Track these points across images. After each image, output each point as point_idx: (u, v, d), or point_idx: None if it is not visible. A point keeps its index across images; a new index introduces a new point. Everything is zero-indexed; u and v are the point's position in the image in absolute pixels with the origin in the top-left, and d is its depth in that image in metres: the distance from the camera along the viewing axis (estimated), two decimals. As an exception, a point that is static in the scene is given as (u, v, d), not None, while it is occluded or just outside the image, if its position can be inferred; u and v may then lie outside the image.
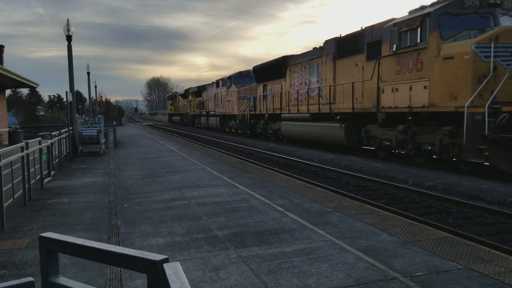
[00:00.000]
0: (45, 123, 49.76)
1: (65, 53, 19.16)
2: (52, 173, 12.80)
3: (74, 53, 19.30)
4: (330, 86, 18.92)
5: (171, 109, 70.58)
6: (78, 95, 63.37)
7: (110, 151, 21.42)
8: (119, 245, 6.06)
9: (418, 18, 13.33)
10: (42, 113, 67.51)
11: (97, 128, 21.68)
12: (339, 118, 18.24)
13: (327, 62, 19.28)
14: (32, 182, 10.03)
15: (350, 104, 17.31)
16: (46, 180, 11.70)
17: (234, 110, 33.03)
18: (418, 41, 13.29)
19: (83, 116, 37.88)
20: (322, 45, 20.00)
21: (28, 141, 9.94)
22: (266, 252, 5.56)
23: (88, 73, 37.96)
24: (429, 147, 13.53)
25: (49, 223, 7.45)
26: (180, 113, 61.68)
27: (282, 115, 24.34)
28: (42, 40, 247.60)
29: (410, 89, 13.79)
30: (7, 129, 29.06)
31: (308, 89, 21.23)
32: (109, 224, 7.24)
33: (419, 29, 13.24)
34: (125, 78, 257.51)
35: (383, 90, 15.21)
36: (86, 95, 56.78)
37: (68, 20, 18.92)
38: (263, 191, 9.63)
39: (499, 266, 4.88)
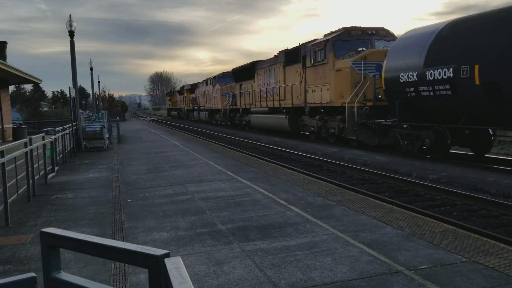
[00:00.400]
0: (49, 118, 49.90)
1: (68, 48, 19.16)
2: (56, 168, 12.83)
3: (76, 48, 19.32)
4: (280, 86, 24.71)
5: (169, 104, 75.32)
6: (81, 91, 63.56)
7: (114, 146, 21.46)
8: (123, 240, 6.07)
9: (323, 42, 19.31)
10: (45, 109, 67.72)
11: (100, 124, 21.71)
12: (285, 111, 24.28)
13: (280, 68, 24.73)
14: (36, 177, 10.05)
15: (291, 101, 23.16)
16: (50, 176, 11.73)
17: (218, 105, 38.87)
18: (323, 58, 19.37)
19: (87, 112, 37.96)
20: (277, 55, 25.32)
21: (32, 136, 9.96)
22: (270, 246, 5.56)
23: (91, 69, 37.97)
24: (332, 130, 19.59)
25: (53, 218, 7.47)
26: (177, 108, 66.38)
27: (251, 109, 30.06)
28: (45, 36, 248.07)
29: (321, 90, 19.78)
30: (11, 125, 29.15)
31: (267, 88, 26.80)
32: (113, 219, 7.25)
33: (323, 50, 19.32)
34: (128, 73, 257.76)
35: (307, 91, 21.26)
36: (89, 90, 56.98)
37: (70, 16, 18.92)
38: (266, 185, 9.63)
39: (504, 259, 4.86)
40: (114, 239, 6.12)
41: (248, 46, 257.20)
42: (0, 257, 5.58)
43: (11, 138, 27.06)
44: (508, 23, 11.14)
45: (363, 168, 13.39)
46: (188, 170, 12.33)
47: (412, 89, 13.98)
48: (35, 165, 10.19)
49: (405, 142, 14.74)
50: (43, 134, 11.84)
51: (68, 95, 22.75)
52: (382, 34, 19.19)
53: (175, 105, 68.73)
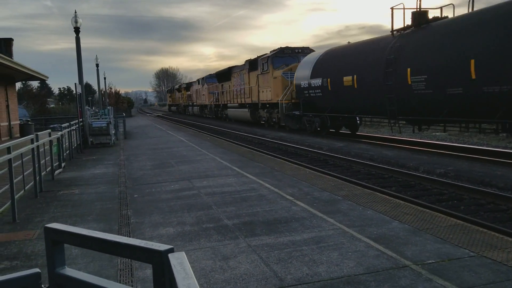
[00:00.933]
0: (56, 115, 50.11)
1: (74, 45, 19.18)
2: (62, 164, 12.89)
3: (82, 45, 19.34)
4: (245, 87, 31.82)
5: (170, 101, 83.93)
6: (87, 87, 63.80)
7: (120, 142, 21.53)
8: (130, 235, 6.09)
9: (266, 57, 27.09)
10: (52, 105, 67.99)
11: (106, 120, 21.77)
12: (247, 106, 31.76)
13: (246, 74, 31.54)
14: (43, 173, 10.10)
15: (250, 99, 30.75)
16: (57, 172, 11.79)
17: (206, 101, 47.37)
18: (267, 68, 26.92)
19: (93, 108, 38.05)
20: (244, 63, 32.47)
21: (39, 133, 9.99)
22: (276, 241, 5.54)
23: (97, 65, 38.04)
24: (274, 119, 27.14)
25: (60, 214, 7.50)
26: (176, 104, 74.38)
27: (228, 104, 37.73)
28: (51, 33, 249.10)
29: (267, 91, 27.24)
30: (18, 122, 29.31)
31: (238, 89, 33.77)
32: (120, 215, 7.27)
33: (267, 63, 26.92)
34: (134, 69, 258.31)
35: (260, 91, 28.62)
36: (95, 87, 57.16)
37: (75, 12, 18.92)
38: (272, 180, 9.61)
39: (512, 253, 4.81)
40: (121, 234, 6.14)
41: (253, 41, 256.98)
42: (7, 252, 5.61)
43: (18, 135, 27.22)
44: (340, 57, 19.72)
45: (369, 162, 13.33)
46: (194, 165, 12.34)
47: (306, 91, 22.05)
48: (42, 161, 10.23)
49: (308, 125, 22.84)
50: (49, 130, 11.88)
51: (74, 92, 22.80)
52: (306, 52, 25.99)
53: (174, 101, 76.08)
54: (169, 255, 1.65)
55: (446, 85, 13.11)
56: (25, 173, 9.05)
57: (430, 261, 4.68)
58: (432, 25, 14.67)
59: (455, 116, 13.67)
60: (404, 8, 15.88)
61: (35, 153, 9.13)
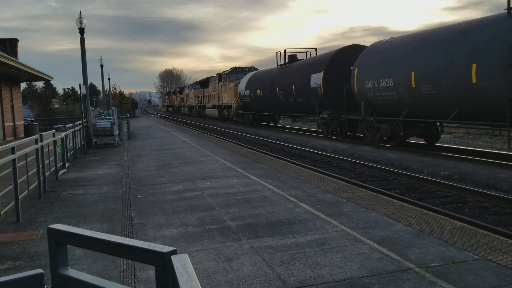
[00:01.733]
0: (60, 115, 50.29)
1: (79, 46, 19.26)
2: (66, 165, 12.92)
3: (87, 46, 19.42)
4: (216, 93, 42.63)
5: (167, 102, 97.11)
6: (92, 88, 63.96)
7: (124, 143, 21.57)
8: (133, 236, 6.09)
9: (225, 73, 38.57)
10: (57, 106, 68.20)
11: (111, 120, 21.82)
12: (216, 107, 42.81)
13: (217, 83, 42.00)
14: (47, 174, 10.13)
15: (218, 102, 41.93)
16: (60, 172, 11.82)
17: (193, 103, 58.71)
18: (226, 81, 37.91)
19: (97, 109, 38.17)
20: (216, 75, 43.05)
21: (43, 133, 10.02)
22: (279, 243, 5.53)
23: (102, 66, 38.20)
24: (231, 116, 38.13)
25: (63, 215, 7.51)
26: (172, 105, 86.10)
27: (206, 106, 49.55)
28: (56, 34, 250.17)
29: (226, 97, 38.44)
30: (23, 122, 29.42)
31: (212, 94, 45.23)
32: (123, 215, 7.28)
33: (226, 77, 38.06)
34: (138, 70, 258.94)
35: (222, 97, 39.60)
36: (100, 87, 57.23)
37: (80, 13, 18.98)
38: (275, 181, 9.60)
39: (517, 257, 4.78)
40: (124, 235, 6.14)
41: (257, 42, 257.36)
42: (11, 253, 5.62)
43: (22, 135, 27.32)
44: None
45: (373, 164, 13.30)
46: (198, 166, 12.35)
47: (243, 98, 33.60)
48: (46, 162, 10.26)
49: (246, 120, 34.10)
50: (54, 130, 11.91)
51: (78, 92, 22.87)
52: (252, 70, 37.69)
53: (171, 102, 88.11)
54: (172, 257, 1.64)
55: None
56: (29, 173, 9.08)
57: (434, 264, 4.66)
58: (292, 64, 26.42)
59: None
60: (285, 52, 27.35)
61: (39, 153, 9.16)
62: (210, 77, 47.38)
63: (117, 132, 21.85)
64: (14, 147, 7.32)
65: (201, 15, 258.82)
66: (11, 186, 7.53)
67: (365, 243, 5.40)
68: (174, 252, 1.67)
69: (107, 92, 47.37)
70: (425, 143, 17.43)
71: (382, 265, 4.69)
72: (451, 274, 4.39)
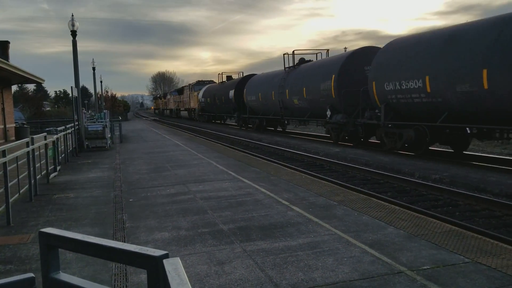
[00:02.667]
0: (52, 118, 49.97)
1: (71, 48, 19.16)
2: (58, 168, 12.84)
3: (79, 48, 19.34)
4: (187, 99, 55.81)
5: (154, 105, 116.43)
6: (84, 91, 63.80)
7: (116, 146, 21.48)
8: (125, 240, 6.07)
9: (192, 85, 54.28)
10: (48, 108, 67.78)
11: (102, 123, 21.72)
12: (187, 110, 57.21)
13: (188, 91, 54.57)
14: (38, 177, 10.06)
15: (188, 106, 56.26)
16: (52, 175, 11.74)
17: (172, 107, 71.98)
18: (192, 90, 52.96)
19: (89, 111, 37.98)
20: (188, 85, 56.57)
21: (34, 136, 9.96)
22: (271, 246, 5.54)
23: (94, 68, 38.03)
24: (196, 116, 52.26)
25: (54, 218, 7.47)
26: (158, 108, 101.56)
27: (180, 109, 62.25)
28: (48, 36, 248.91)
29: (192, 102, 53.81)
30: (14, 125, 29.19)
31: (185, 100, 57.59)
32: (115, 219, 7.25)
33: (192, 88, 53.14)
34: (131, 73, 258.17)
35: (190, 102, 54.96)
36: (92, 90, 57.07)
37: (72, 15, 18.90)
38: (268, 184, 9.61)
39: (506, 260, 4.83)
40: (116, 239, 6.12)
41: (250, 46, 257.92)
42: (1, 256, 5.57)
43: (13, 138, 27.10)
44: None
45: (365, 168, 13.36)
46: (190, 169, 12.33)
47: (202, 103, 47.76)
48: (37, 165, 10.19)
49: (206, 119, 49.00)
50: (45, 133, 11.84)
51: (70, 95, 22.77)
52: (210, 83, 49.52)
53: (157, 106, 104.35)
54: (164, 260, 1.64)
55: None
56: (20, 177, 9.01)
57: (425, 267, 4.69)
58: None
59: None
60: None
61: (31, 156, 9.10)
62: (184, 86, 62.68)
63: (109, 135, 21.75)
64: (5, 150, 7.27)
65: (194, 18, 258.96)
66: (1, 190, 7.46)
67: (357, 246, 5.42)
68: (166, 256, 1.67)
69: (99, 95, 47.16)
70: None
71: (374, 268, 4.72)
72: (442, 277, 4.42)
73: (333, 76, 19.76)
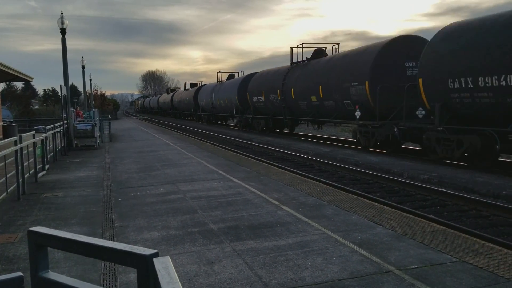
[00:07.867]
0: (40, 117, 49.49)
1: (59, 46, 19.00)
2: (46, 167, 12.73)
3: (68, 46, 19.14)
4: (166, 101, 70.65)
5: (135, 106, 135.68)
6: (73, 89, 63.18)
7: (105, 145, 21.34)
8: (114, 239, 6.04)
9: (172, 90, 74.09)
10: (37, 107, 67.13)
11: (92, 122, 21.57)
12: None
13: (166, 94, 74.15)
14: (26, 176, 9.97)
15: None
16: (40, 174, 11.64)
17: (156, 107, 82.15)
18: (168, 93, 72.93)
19: (84, 113, 37.66)
20: (168, 91, 76.68)
21: (22, 134, 9.87)
22: (261, 246, 5.55)
23: (83, 67, 37.70)
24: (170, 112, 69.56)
25: (43, 217, 7.41)
26: (141, 107, 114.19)
27: (161, 107, 77.18)
28: (36, 33, 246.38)
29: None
30: (1, 123, 28.86)
31: (162, 101, 76.06)
32: (104, 218, 7.21)
33: (168, 91, 76.68)
34: (120, 71, 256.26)
35: (164, 102, 71.81)
36: (81, 88, 56.59)
37: (62, 13, 18.73)
38: (258, 184, 9.62)
39: (493, 259, 4.89)
40: (105, 238, 6.08)
41: (240, 45, 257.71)
42: (-12, 256, 5.51)
43: (1, 136, 26.78)
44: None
45: (354, 168, 13.43)
46: (180, 169, 12.30)
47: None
48: (25, 164, 10.10)
49: (184, 117, 62.35)
50: (33, 132, 11.73)
51: (59, 93, 22.57)
52: (177, 90, 70.68)
53: (136, 107, 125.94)
54: (154, 259, 1.65)
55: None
56: (7, 175, 8.92)
57: (413, 266, 4.73)
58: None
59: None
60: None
61: (19, 155, 9.01)
62: (172, 88, 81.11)
63: (98, 134, 21.61)
64: (-8, 148, 7.20)
65: (183, 17, 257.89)
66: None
67: (346, 246, 5.45)
68: (156, 255, 1.67)
69: (88, 94, 46.81)
70: None
71: (363, 267, 4.75)
72: (430, 276, 4.47)
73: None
